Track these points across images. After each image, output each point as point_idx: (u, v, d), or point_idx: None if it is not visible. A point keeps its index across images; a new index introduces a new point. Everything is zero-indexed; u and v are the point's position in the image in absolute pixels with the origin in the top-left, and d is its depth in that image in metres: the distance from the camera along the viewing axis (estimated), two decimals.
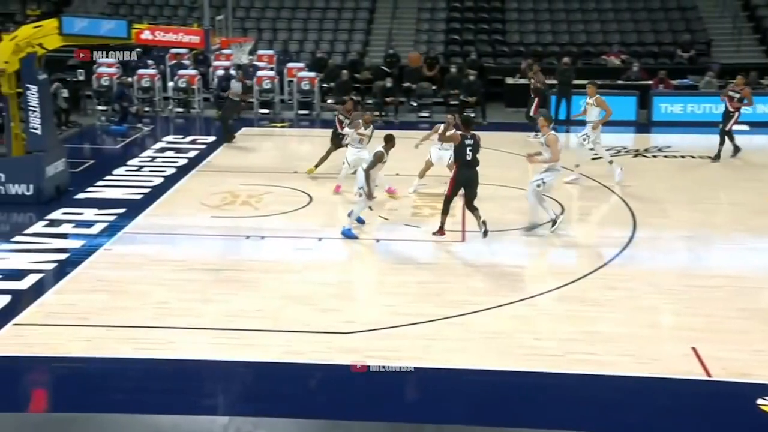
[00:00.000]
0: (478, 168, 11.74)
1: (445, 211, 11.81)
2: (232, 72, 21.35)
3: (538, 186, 11.90)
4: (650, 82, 21.70)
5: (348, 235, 11.88)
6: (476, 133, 11.89)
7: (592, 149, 15.27)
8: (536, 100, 18.90)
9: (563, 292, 10.16)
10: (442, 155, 13.88)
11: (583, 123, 15.55)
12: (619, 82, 22.10)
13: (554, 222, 12.07)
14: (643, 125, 20.68)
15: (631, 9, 26.14)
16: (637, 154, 17.70)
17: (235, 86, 18.35)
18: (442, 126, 13.92)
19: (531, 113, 18.58)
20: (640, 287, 10.31)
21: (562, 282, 10.39)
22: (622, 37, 25.03)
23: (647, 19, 25.79)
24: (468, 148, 11.57)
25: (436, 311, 9.49)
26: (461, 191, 11.75)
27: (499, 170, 14.74)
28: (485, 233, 11.48)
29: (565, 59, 21.49)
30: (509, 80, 22.27)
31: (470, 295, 10.07)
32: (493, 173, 13.70)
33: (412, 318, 9.29)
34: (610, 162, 15.18)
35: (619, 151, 17.69)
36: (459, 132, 11.87)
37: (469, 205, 11.73)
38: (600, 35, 25.31)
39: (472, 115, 20.85)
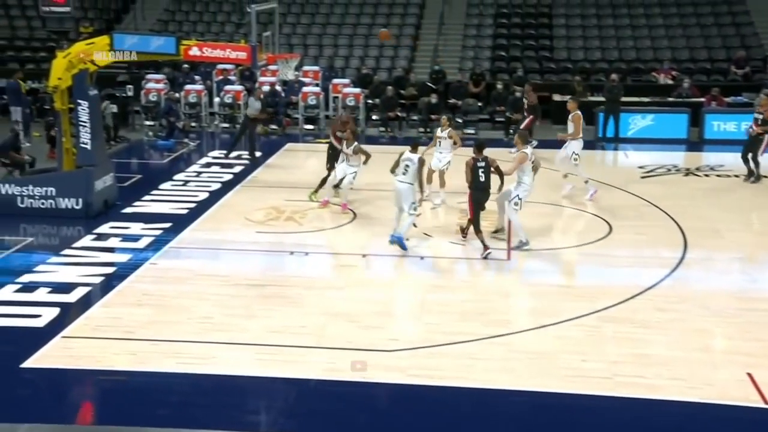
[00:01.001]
0: (491, 190, 11.96)
1: (478, 231, 11.85)
2: (278, 88, 21.56)
3: (516, 204, 12.07)
4: (702, 99, 21.25)
5: (400, 242, 11.81)
6: (488, 156, 11.92)
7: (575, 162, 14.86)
8: (529, 117, 18.65)
9: (611, 312, 9.93)
10: (441, 159, 14.34)
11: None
12: (670, 99, 21.74)
13: (497, 230, 12.51)
14: (695, 143, 20.25)
15: (683, 25, 25.73)
16: (688, 172, 17.32)
17: (253, 104, 18.43)
18: (438, 130, 14.63)
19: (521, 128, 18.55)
20: (691, 309, 10.04)
21: (610, 302, 10.16)
22: (673, 54, 24.61)
23: (700, 35, 25.35)
24: (480, 170, 11.76)
25: (479, 330, 9.36)
26: None
27: (546, 189, 14.54)
28: (464, 236, 12.28)
29: (614, 76, 21.19)
30: (557, 97, 22.01)
31: (515, 314, 9.93)
32: (541, 192, 13.52)
33: (455, 337, 9.18)
34: (565, 176, 15.04)
35: (669, 170, 17.36)
36: (471, 156, 11.96)
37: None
38: (650, 51, 24.93)
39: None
